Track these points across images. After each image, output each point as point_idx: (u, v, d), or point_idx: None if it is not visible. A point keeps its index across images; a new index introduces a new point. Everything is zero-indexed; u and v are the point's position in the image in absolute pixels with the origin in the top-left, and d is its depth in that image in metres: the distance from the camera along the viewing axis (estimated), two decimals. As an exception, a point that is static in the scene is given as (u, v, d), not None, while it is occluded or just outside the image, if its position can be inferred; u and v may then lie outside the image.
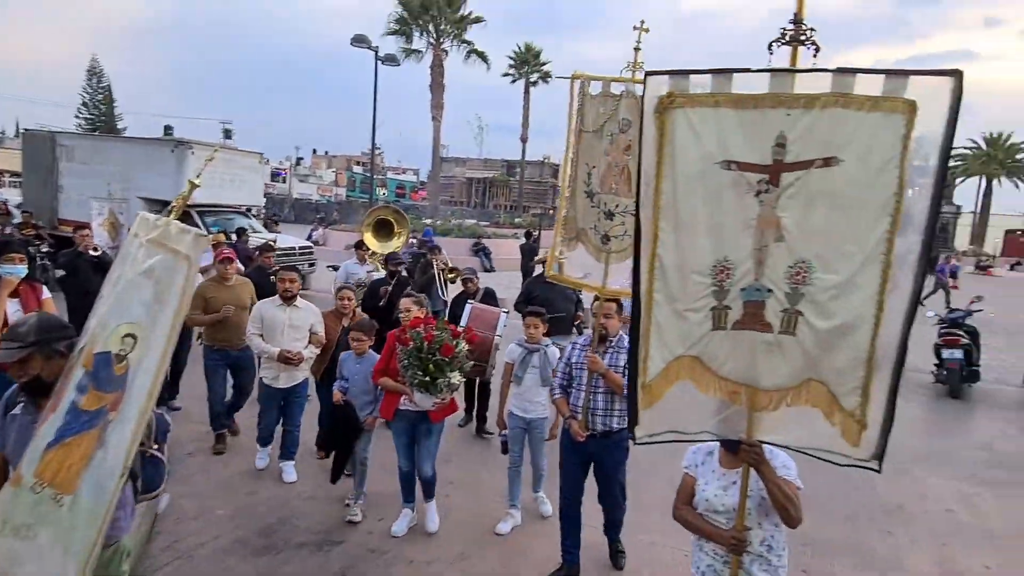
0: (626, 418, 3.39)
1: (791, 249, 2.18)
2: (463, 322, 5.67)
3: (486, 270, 20.10)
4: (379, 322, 5.31)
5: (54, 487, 2.18)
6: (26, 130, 17.73)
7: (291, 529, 4.44)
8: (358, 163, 70.89)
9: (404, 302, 4.61)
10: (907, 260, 2.07)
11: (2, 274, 4.08)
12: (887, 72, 2.00)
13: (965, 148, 49.32)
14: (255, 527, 4.44)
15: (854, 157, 2.05)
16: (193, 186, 2.52)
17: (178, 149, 12.56)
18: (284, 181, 59.41)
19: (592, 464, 4.04)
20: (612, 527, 4.16)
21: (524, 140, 42.53)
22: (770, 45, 2.19)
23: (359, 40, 14.36)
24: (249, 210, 15.21)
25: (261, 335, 5.11)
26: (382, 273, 8.37)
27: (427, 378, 3.93)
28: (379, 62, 15.17)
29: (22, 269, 4.20)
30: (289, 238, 15.15)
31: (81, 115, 46.51)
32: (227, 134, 50.29)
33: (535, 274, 7.63)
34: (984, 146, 49.19)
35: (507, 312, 6.02)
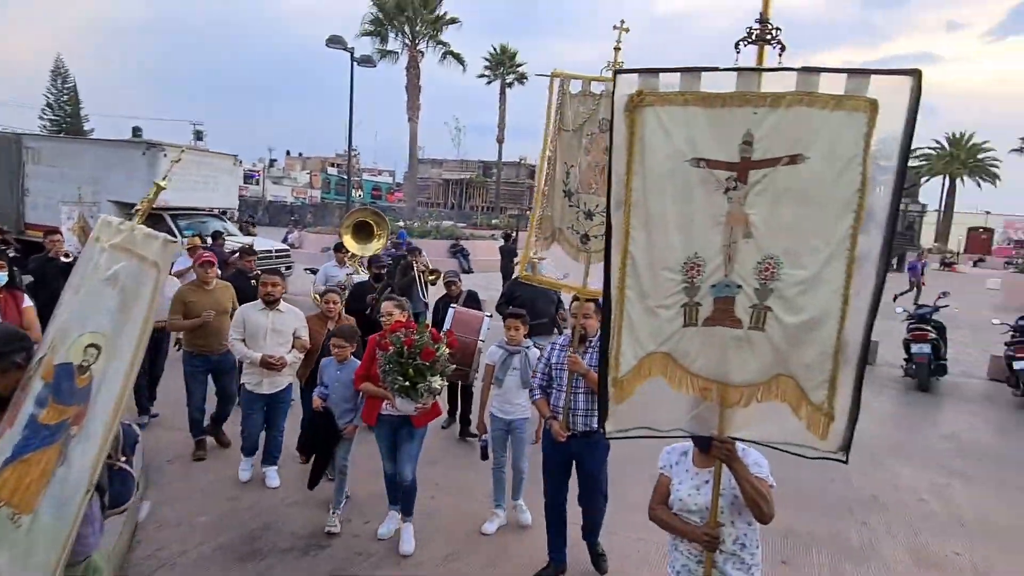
0: None
1: (759, 245, 2.22)
2: (446, 326, 5.67)
3: (464, 271, 20.06)
4: (365, 326, 5.29)
5: (11, 506, 2.06)
6: (-11, 132, 17.22)
7: (276, 534, 4.41)
8: (333, 165, 70.21)
9: (386, 306, 4.59)
10: (870, 255, 2.11)
11: None
12: (849, 71, 2.05)
13: (929, 148, 50.72)
14: (239, 533, 4.39)
15: (819, 155, 2.10)
16: (159, 188, 2.49)
17: (150, 151, 12.32)
18: (257, 183, 58.59)
19: (574, 463, 4.04)
20: (591, 531, 4.12)
21: (500, 141, 42.56)
22: (737, 44, 2.22)
23: (335, 41, 14.22)
24: (224, 212, 14.99)
25: (243, 340, 5.03)
26: (362, 275, 8.34)
27: (407, 383, 3.90)
28: (355, 63, 15.07)
29: (2, 276, 4.11)
30: (266, 241, 14.96)
31: (46, 116, 45.29)
32: (198, 135, 49.37)
33: (516, 275, 7.65)
34: (947, 146, 50.60)
35: (490, 316, 6.01)
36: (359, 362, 4.51)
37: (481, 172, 61.63)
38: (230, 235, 12.97)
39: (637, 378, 2.41)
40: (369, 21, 29.84)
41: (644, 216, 2.32)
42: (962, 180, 50.63)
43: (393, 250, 11.59)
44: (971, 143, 50.24)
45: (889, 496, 5.55)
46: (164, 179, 2.46)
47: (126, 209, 11.47)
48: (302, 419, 5.19)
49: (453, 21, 31.23)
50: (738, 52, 2.22)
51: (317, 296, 8.04)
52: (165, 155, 12.44)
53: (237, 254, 8.37)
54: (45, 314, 6.22)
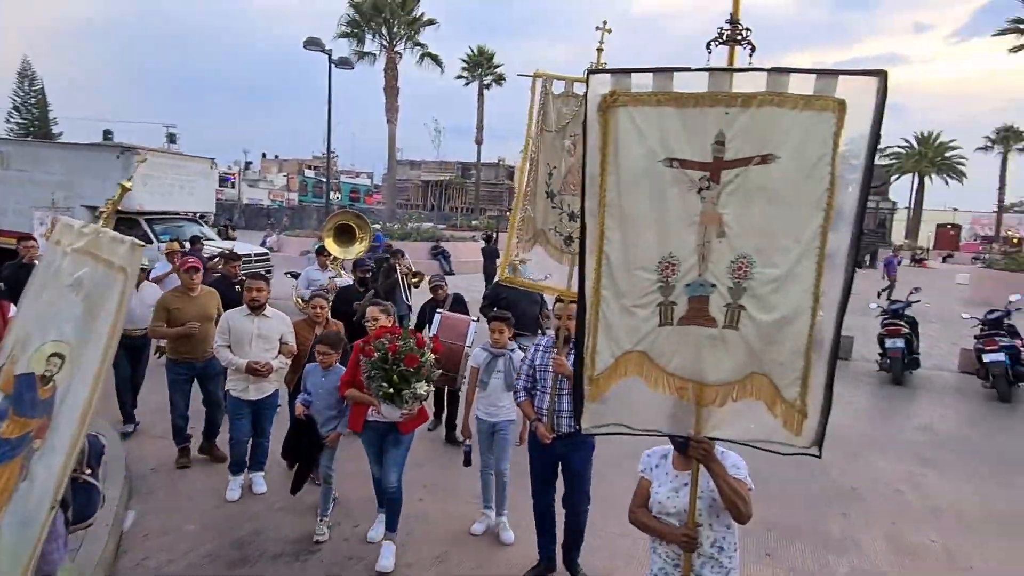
0: None
1: (732, 245, 2.24)
2: (433, 331, 5.66)
3: (446, 273, 20.04)
4: (352, 331, 5.26)
5: None
6: (-45, 136, 16.77)
7: (265, 540, 4.39)
8: (310, 167, 69.51)
9: (371, 311, 4.53)
10: (839, 252, 2.14)
11: None
12: (818, 72, 2.08)
13: (899, 147, 51.91)
14: (227, 540, 4.36)
15: (789, 154, 2.12)
16: (124, 189, 2.42)
17: (124, 155, 12.13)
18: (233, 186, 57.80)
19: (560, 464, 4.03)
20: (573, 544, 4.04)
21: (479, 142, 42.63)
22: (708, 45, 2.24)
23: (312, 43, 14.10)
24: (202, 217, 14.80)
25: (229, 346, 4.94)
26: (344, 278, 8.31)
27: (391, 389, 3.86)
28: (333, 65, 14.97)
29: None
30: (246, 245, 14.81)
31: (13, 119, 44.24)
32: (171, 138, 48.65)
33: (498, 277, 7.69)
34: (916, 145, 51.81)
35: (477, 320, 6.00)
36: (344, 369, 4.46)
37: (460, 173, 61.56)
38: (208, 240, 12.83)
39: (613, 376, 2.43)
40: (346, 23, 29.65)
41: (619, 216, 2.33)
42: (930, 178, 51.91)
43: (371, 253, 11.56)
44: (939, 142, 51.53)
45: (867, 488, 5.70)
46: (129, 180, 2.41)
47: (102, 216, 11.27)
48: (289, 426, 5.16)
49: (431, 22, 31.18)
50: (709, 52, 2.24)
51: (300, 300, 8.01)
52: (141, 160, 12.25)
53: (218, 259, 8.28)
54: (21, 323, 6.19)
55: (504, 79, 41.70)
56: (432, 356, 4.04)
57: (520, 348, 4.86)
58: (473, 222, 38.11)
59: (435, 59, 32.10)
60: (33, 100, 45.33)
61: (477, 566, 4.21)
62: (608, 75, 2.28)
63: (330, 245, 8.55)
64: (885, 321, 10.10)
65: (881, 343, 9.97)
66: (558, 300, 4.19)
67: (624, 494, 4.82)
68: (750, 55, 2.23)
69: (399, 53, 30.41)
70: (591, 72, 2.33)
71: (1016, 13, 27.22)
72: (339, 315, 6.04)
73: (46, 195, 12.44)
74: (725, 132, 2.16)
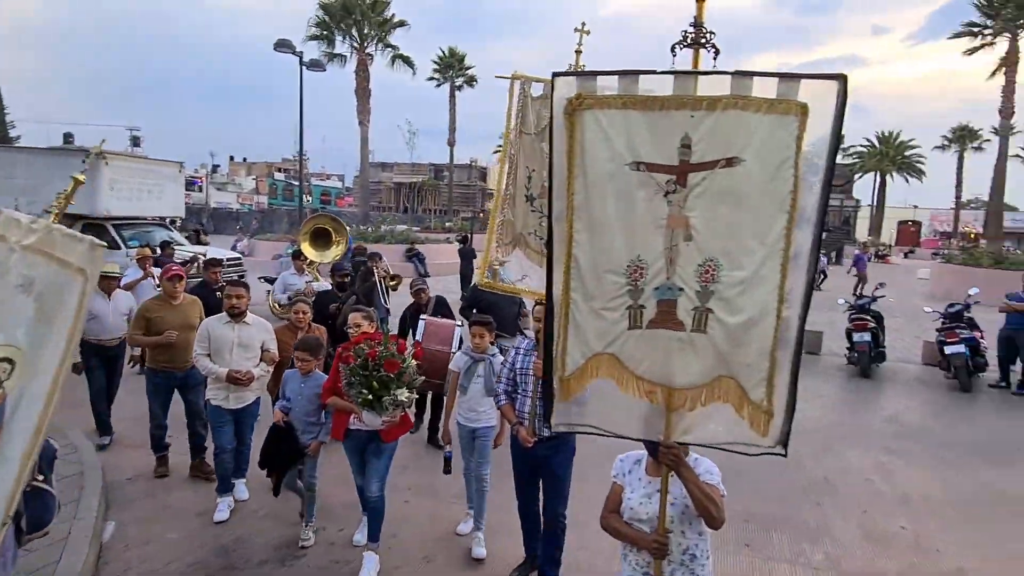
0: None
1: (700, 248, 2.24)
2: (418, 337, 5.62)
3: (421, 275, 20.00)
4: (334, 336, 5.22)
5: None
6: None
7: (250, 547, 4.36)
8: (280, 169, 68.56)
9: (353, 316, 4.47)
10: (802, 252, 2.16)
11: None
12: (780, 75, 2.09)
13: (861, 146, 53.37)
14: (211, 548, 4.32)
15: (754, 157, 2.13)
16: (77, 182, 2.27)
17: (90, 159, 11.81)
18: (200, 190, 56.70)
19: (540, 467, 3.99)
20: (549, 560, 3.97)
21: (452, 144, 42.49)
22: (673, 48, 2.25)
23: (283, 45, 13.94)
24: (173, 222, 14.52)
25: (209, 355, 4.79)
26: (322, 282, 8.27)
27: (371, 396, 3.79)
28: (304, 67, 14.82)
29: None
30: (219, 250, 14.57)
31: (-35, 122, 42.56)
32: (135, 141, 47.49)
33: (476, 281, 7.73)
34: (877, 144, 53.30)
35: (461, 324, 5.97)
36: (324, 375, 4.41)
37: (433, 175, 61.37)
38: (178, 245, 12.60)
39: (584, 377, 2.42)
40: (315, 24, 29.32)
41: (587, 219, 2.32)
42: (891, 176, 53.48)
43: (346, 257, 11.51)
44: (899, 141, 53.11)
45: (839, 478, 5.90)
46: (83, 173, 2.25)
47: (67, 220, 10.98)
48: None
49: (401, 24, 30.98)
50: (674, 55, 2.25)
51: (277, 305, 7.95)
52: (107, 163, 12.00)
53: (190, 264, 8.16)
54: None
55: (476, 81, 41.73)
56: (414, 362, 3.98)
57: (500, 349, 4.87)
58: (447, 224, 38.05)
59: (407, 61, 31.94)
60: (-13, 102, 43.74)
61: (465, 565, 4.25)
62: (573, 78, 2.28)
63: (306, 249, 8.51)
64: (852, 316, 10.42)
65: (849, 337, 10.29)
66: (538, 303, 4.16)
67: (607, 490, 4.91)
68: (714, 58, 2.25)
69: (370, 55, 30.18)
70: (556, 75, 2.30)
71: (969, 17, 28.24)
72: (319, 321, 6.00)
73: (8, 201, 12.05)
74: (691, 135, 2.16)
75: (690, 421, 2.35)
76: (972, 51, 28.39)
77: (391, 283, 8.72)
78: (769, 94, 2.08)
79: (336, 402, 4.16)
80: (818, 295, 17.77)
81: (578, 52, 4.40)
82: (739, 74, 2.11)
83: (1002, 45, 27.31)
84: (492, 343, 4.66)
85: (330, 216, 9.50)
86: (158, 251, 9.97)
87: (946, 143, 50.75)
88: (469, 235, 19.77)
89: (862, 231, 52.62)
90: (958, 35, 28.75)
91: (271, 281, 10.71)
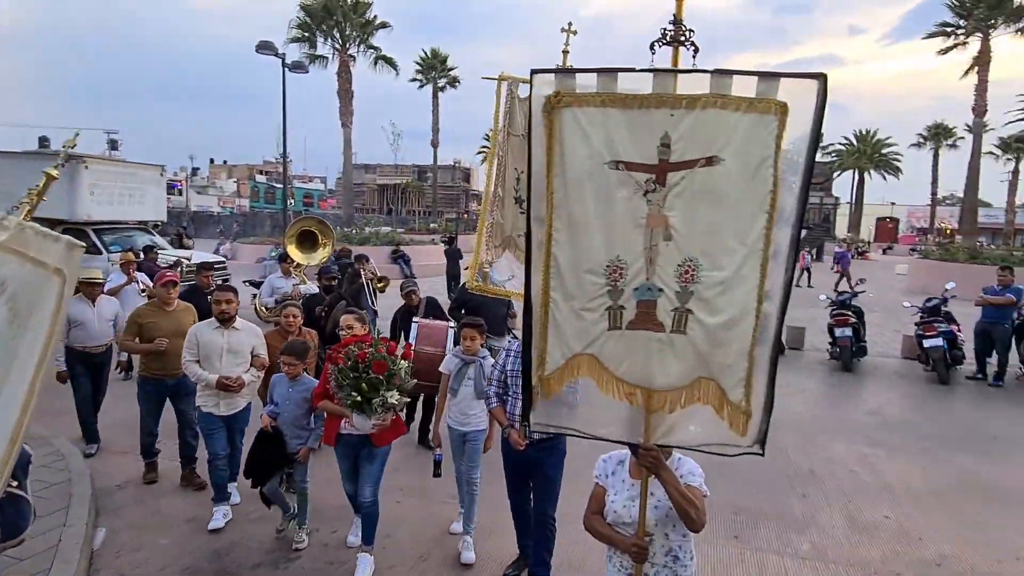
0: None
1: (679, 248, 2.21)
2: (412, 341, 5.54)
3: (407, 277, 19.96)
4: (326, 340, 5.19)
5: None
6: None
7: (243, 551, 4.35)
8: (261, 172, 67.98)
9: (345, 318, 4.43)
10: (781, 252, 2.15)
11: None
12: (759, 74, 2.06)
13: (840, 144, 54.17)
14: (204, 553, 4.31)
15: (733, 156, 2.11)
16: (50, 178, 2.19)
17: (69, 163, 11.63)
18: (180, 193, 55.99)
19: (531, 469, 3.99)
20: (539, 562, 3.95)
21: (435, 145, 42.39)
22: (652, 45, 2.21)
23: (265, 47, 13.84)
24: (156, 226, 14.37)
25: (198, 361, 4.71)
26: (309, 285, 8.24)
27: (359, 398, 3.75)
28: (286, 69, 14.73)
29: None
30: (203, 254, 14.45)
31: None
32: (113, 145, 46.74)
33: (465, 283, 7.75)
34: (855, 142, 54.15)
35: (454, 326, 5.97)
36: (313, 380, 4.38)
37: (416, 176, 61.23)
38: (160, 249, 12.47)
39: (564, 377, 2.40)
40: (296, 26, 29.13)
41: (566, 218, 2.29)
42: (869, 174, 54.37)
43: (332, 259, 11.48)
44: (876, 139, 54.00)
45: (824, 469, 6.02)
46: (56, 168, 2.19)
47: (47, 225, 10.82)
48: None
49: (384, 26, 30.88)
50: (653, 53, 2.21)
51: (264, 308, 7.91)
52: (87, 167, 11.85)
53: (180, 268, 8.09)
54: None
55: (458, 82, 41.72)
56: (405, 364, 3.94)
57: (489, 349, 4.86)
58: (431, 225, 38.02)
59: (389, 62, 31.86)
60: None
61: (459, 564, 4.27)
62: (552, 75, 2.24)
63: (293, 252, 8.47)
64: (834, 312, 10.61)
65: (831, 333, 10.47)
66: None
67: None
68: (694, 56, 2.22)
69: (352, 56, 30.05)
70: (535, 72, 2.25)
71: (942, 17, 28.85)
72: (308, 325, 5.99)
73: (-14, 206, 11.87)
74: (670, 134, 2.14)
75: (670, 423, 2.34)
76: (946, 51, 29.02)
77: (378, 285, 8.72)
78: (749, 93, 2.07)
79: (327, 406, 4.11)
80: (800, 291, 18.04)
81: (565, 52, 4.40)
82: (719, 72, 2.09)
83: (974, 45, 27.99)
84: (482, 345, 4.62)
85: (316, 218, 9.47)
86: (141, 256, 9.86)
87: (922, 140, 51.73)
88: (454, 236, 19.77)
89: (842, 228, 53.43)
90: (932, 35, 29.38)
91: (256, 285, 10.64)
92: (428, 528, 4.73)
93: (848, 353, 10.02)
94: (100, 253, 11.69)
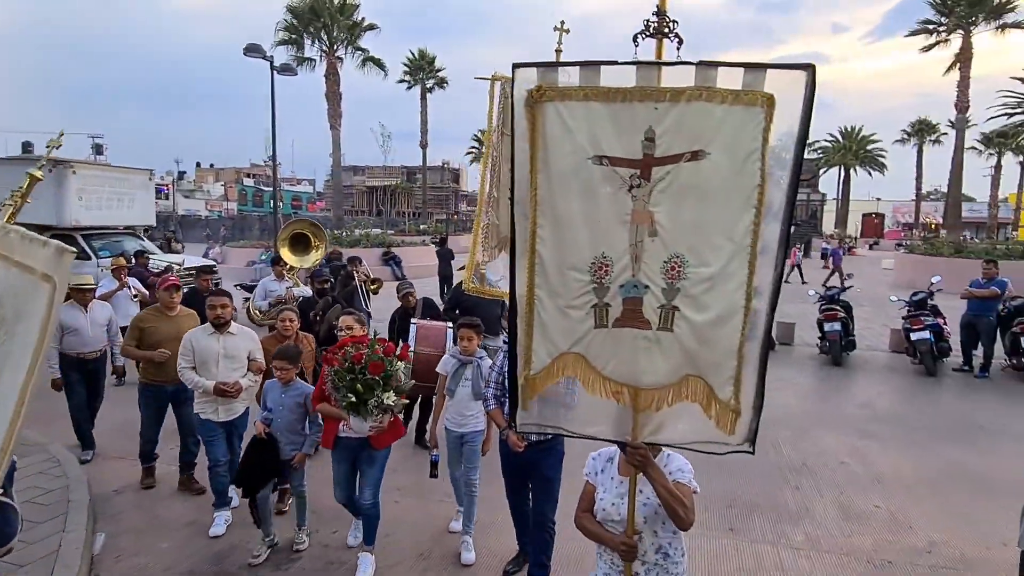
0: None
1: (665, 244, 2.18)
2: (411, 343, 5.54)
3: (398, 278, 19.97)
4: (323, 344, 5.19)
5: None
6: None
7: (243, 553, 4.35)
8: (248, 175, 67.61)
9: (345, 319, 4.44)
10: (770, 248, 2.10)
11: None
12: (746, 66, 2.01)
13: (826, 141, 54.67)
14: (205, 555, 4.32)
15: (720, 150, 2.06)
16: (34, 179, 2.13)
17: (57, 169, 11.56)
18: (167, 197, 55.54)
19: (529, 471, 4.00)
20: (537, 563, 3.94)
21: (424, 146, 42.36)
22: (635, 38, 2.17)
23: (253, 50, 13.78)
24: (147, 231, 14.29)
25: (194, 367, 4.65)
26: (302, 288, 8.25)
27: (354, 399, 3.73)
28: (275, 72, 14.68)
29: None
30: (194, 258, 14.39)
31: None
32: (98, 149, 46.30)
33: (461, 283, 7.77)
34: (841, 139, 54.67)
35: (452, 327, 5.99)
36: (306, 385, 4.36)
37: (405, 178, 61.14)
38: (150, 254, 12.41)
39: (550, 376, 2.37)
40: (283, 28, 29.02)
41: (551, 215, 2.25)
42: (855, 170, 54.90)
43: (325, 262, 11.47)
44: (861, 135, 54.55)
45: (816, 461, 6.12)
46: (39, 169, 2.14)
47: (34, 231, 10.75)
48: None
49: (371, 27, 30.84)
50: (636, 46, 2.17)
51: (258, 312, 7.92)
52: (74, 172, 11.77)
53: (183, 274, 8.05)
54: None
55: (446, 82, 41.69)
56: (402, 364, 3.93)
57: (484, 349, 4.88)
58: (422, 226, 37.96)
59: (377, 63, 31.80)
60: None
61: (460, 561, 4.31)
62: (534, 69, 2.17)
63: (286, 254, 8.47)
64: (823, 307, 10.75)
65: (820, 327, 10.61)
66: None
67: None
68: (678, 48, 2.17)
69: (340, 58, 29.97)
70: (516, 66, 2.19)
71: (924, 15, 29.24)
72: (304, 329, 6.00)
73: (-27, 213, 11.75)
74: (655, 128, 2.09)
75: (658, 421, 2.32)
76: (928, 48, 29.41)
77: (372, 287, 8.75)
78: (735, 85, 2.01)
79: (325, 408, 4.10)
80: (790, 287, 18.22)
81: (558, 51, 4.39)
82: (704, 64, 2.03)
83: (956, 42, 28.38)
84: (479, 345, 4.61)
85: (309, 221, 9.47)
86: (132, 261, 9.81)
87: (906, 137, 52.37)
88: (445, 237, 19.79)
89: (828, 224, 53.95)
90: (914, 32, 29.75)
91: (248, 288, 10.64)
92: (427, 527, 4.76)
93: (837, 347, 10.16)
94: (89, 258, 11.62)
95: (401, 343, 5.80)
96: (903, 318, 10.22)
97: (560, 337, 2.33)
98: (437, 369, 4.71)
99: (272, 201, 25.27)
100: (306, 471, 4.50)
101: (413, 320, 6.09)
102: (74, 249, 2.02)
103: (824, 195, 57.15)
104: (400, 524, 4.74)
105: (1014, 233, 43.16)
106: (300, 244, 8.72)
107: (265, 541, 4.28)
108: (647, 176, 2.14)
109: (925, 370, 9.55)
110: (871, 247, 47.27)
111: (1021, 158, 43.57)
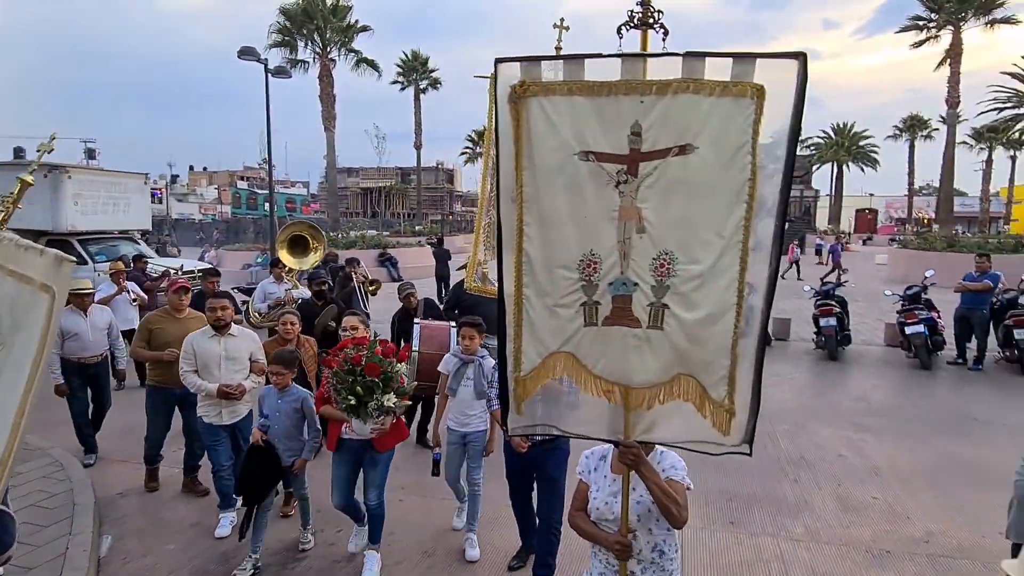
0: None
1: (654, 240, 2.13)
2: (414, 345, 5.54)
3: (394, 280, 19.99)
4: (325, 347, 5.20)
5: None
6: None
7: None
8: (242, 178, 67.40)
9: (350, 320, 4.47)
10: (764, 245, 2.04)
11: None
12: (734, 55, 1.94)
13: (818, 137, 54.99)
14: (211, 555, 4.35)
15: (708, 144, 2.01)
16: (25, 184, 2.10)
17: (52, 174, 11.54)
18: (160, 201, 55.33)
19: (534, 471, 4.02)
20: (542, 561, 3.93)
21: (418, 147, 42.34)
22: (619, 29, 2.11)
23: (247, 52, 13.77)
24: (144, 235, 14.27)
25: (196, 371, 4.64)
26: (301, 289, 8.27)
27: (354, 401, 3.72)
28: (269, 75, 14.68)
29: None
30: (192, 262, 14.40)
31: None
32: (90, 154, 46.09)
33: (462, 279, 7.80)
34: (833, 135, 54.98)
35: (455, 324, 6.01)
36: (303, 390, 4.34)
37: (399, 179, 61.08)
38: (148, 258, 12.40)
39: (540, 377, 2.33)
40: (276, 30, 28.96)
41: (537, 212, 2.21)
42: (847, 166, 55.22)
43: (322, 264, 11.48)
44: (853, 132, 54.87)
45: (813, 455, 6.19)
46: (31, 174, 2.11)
47: (30, 236, 10.72)
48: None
49: (364, 29, 30.80)
50: (621, 38, 2.11)
51: (257, 314, 7.93)
52: (69, 177, 11.76)
53: (161, 278, 8.05)
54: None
55: (440, 83, 41.69)
56: (402, 366, 3.92)
57: (487, 348, 4.92)
58: (417, 227, 37.99)
59: (371, 64, 31.75)
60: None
61: (464, 557, 4.35)
62: (516, 63, 2.12)
63: (285, 256, 8.50)
64: (818, 302, 10.83)
65: (816, 323, 10.69)
66: None
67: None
68: (663, 39, 2.10)
69: (333, 60, 29.95)
70: (499, 61, 2.14)
71: (915, 11, 29.45)
72: (305, 332, 6.02)
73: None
74: (641, 122, 2.04)
75: (650, 419, 2.28)
76: (918, 44, 29.62)
77: (370, 288, 8.78)
78: (723, 77, 1.95)
79: (327, 411, 4.10)
80: (786, 283, 18.33)
81: (558, 49, 4.41)
82: (690, 55, 1.97)
83: (946, 37, 28.59)
84: (481, 344, 4.60)
85: (307, 223, 9.50)
86: (131, 265, 9.82)
87: (898, 132, 52.70)
88: (442, 237, 19.82)
89: (822, 220, 54.17)
90: (905, 29, 29.97)
91: (246, 292, 10.65)
92: (431, 525, 4.80)
93: (833, 342, 10.24)
94: (85, 263, 11.60)
95: (402, 344, 5.85)
96: (897, 312, 10.31)
97: (549, 336, 2.30)
98: (439, 368, 4.70)
99: (266, 204, 25.22)
100: (309, 473, 4.52)
101: (417, 320, 6.11)
102: (73, 258, 1.99)
103: (817, 191, 57.31)
104: (404, 522, 4.77)
105: (1006, 227, 43.46)
106: (298, 246, 8.75)
107: (252, 558, 4.14)
108: (634, 172, 2.10)
109: (920, 363, 9.64)
110: (864, 243, 47.52)
111: (1012, 152, 43.88)
